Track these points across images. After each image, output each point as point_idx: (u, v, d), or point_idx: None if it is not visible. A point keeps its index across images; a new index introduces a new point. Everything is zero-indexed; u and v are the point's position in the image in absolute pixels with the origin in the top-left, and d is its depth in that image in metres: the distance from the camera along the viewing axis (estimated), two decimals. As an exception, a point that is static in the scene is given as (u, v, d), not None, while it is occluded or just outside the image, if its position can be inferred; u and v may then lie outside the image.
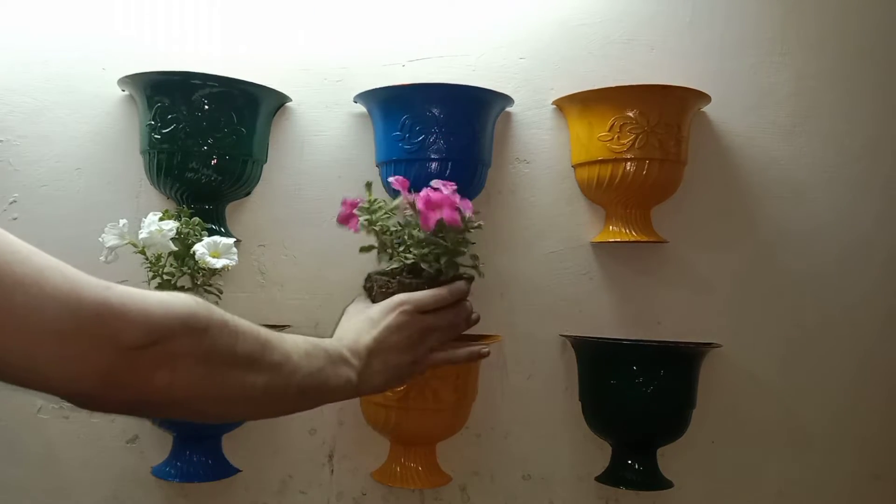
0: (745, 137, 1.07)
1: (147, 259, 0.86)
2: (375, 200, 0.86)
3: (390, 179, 0.85)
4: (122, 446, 1.00)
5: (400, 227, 0.84)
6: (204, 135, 0.93)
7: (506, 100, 1.00)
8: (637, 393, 0.95)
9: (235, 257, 0.87)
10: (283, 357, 0.63)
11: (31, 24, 1.00)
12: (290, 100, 1.02)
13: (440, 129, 0.94)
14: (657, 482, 0.99)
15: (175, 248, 0.86)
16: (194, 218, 0.89)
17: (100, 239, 0.86)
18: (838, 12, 1.08)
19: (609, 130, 0.97)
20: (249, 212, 1.03)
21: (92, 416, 1.00)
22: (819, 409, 1.08)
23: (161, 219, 0.86)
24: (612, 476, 1.00)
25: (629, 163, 0.96)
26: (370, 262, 0.90)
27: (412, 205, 0.83)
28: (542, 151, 1.05)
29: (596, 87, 0.98)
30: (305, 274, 1.02)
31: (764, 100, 1.07)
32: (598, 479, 1.01)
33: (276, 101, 1.01)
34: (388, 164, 0.98)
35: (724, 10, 1.07)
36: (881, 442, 1.09)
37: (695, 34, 1.06)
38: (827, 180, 1.08)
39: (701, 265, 1.06)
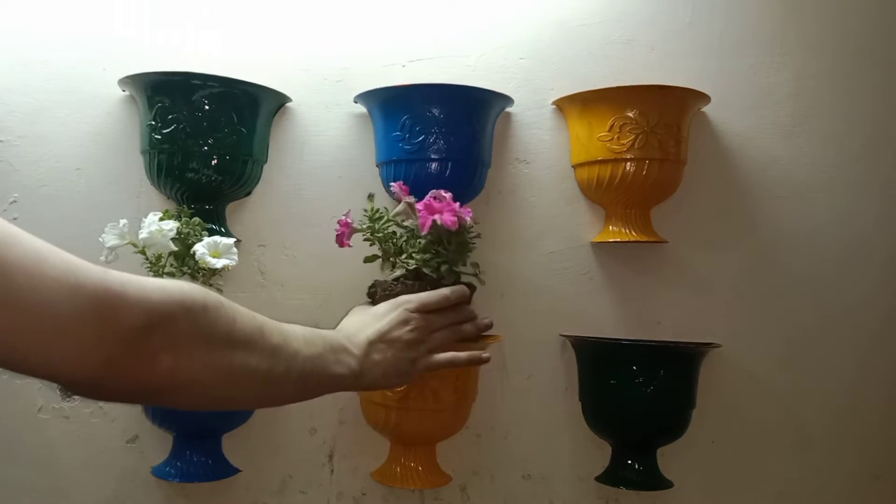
0: (745, 137, 1.07)
1: (147, 259, 0.87)
2: (377, 210, 0.86)
3: (391, 185, 0.86)
4: (122, 446, 1.00)
5: (402, 235, 0.85)
6: (204, 135, 0.93)
7: (506, 100, 1.00)
8: (637, 393, 0.95)
9: (235, 257, 0.87)
10: (282, 339, 0.63)
11: (31, 24, 1.00)
12: (290, 100, 1.02)
13: (440, 130, 0.94)
14: (657, 482, 0.99)
15: (175, 248, 0.86)
16: (194, 218, 0.89)
17: (100, 239, 0.86)
18: (838, 12, 1.08)
19: (609, 130, 0.97)
20: (249, 212, 1.03)
21: (92, 415, 1.00)
22: (819, 409, 1.08)
23: (161, 219, 0.86)
24: (612, 476, 1.00)
25: (629, 163, 0.96)
26: (370, 263, 0.91)
27: (411, 205, 0.83)
28: (542, 151, 1.05)
29: (596, 87, 0.98)
30: (305, 274, 1.03)
31: (764, 100, 1.07)
32: (598, 479, 1.01)
33: (276, 102, 1.01)
34: (388, 164, 0.98)
35: (723, 10, 1.07)
36: (881, 442, 1.09)
37: (695, 34, 1.06)
38: (827, 180, 1.08)
39: (701, 265, 1.06)
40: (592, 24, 1.06)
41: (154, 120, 0.94)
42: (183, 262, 0.87)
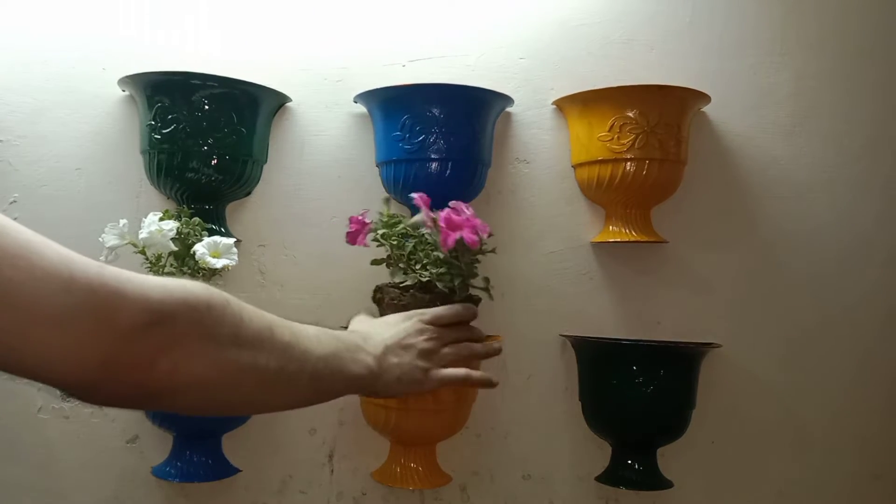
0: (745, 137, 1.07)
1: (147, 259, 0.87)
2: (393, 216, 0.86)
3: (412, 196, 0.85)
4: (122, 446, 1.00)
5: (415, 243, 0.85)
6: (204, 135, 0.93)
7: (506, 100, 1.00)
8: (637, 393, 0.95)
9: (235, 257, 0.87)
10: (293, 338, 0.60)
11: (31, 24, 1.00)
12: (290, 100, 1.02)
13: (440, 129, 0.94)
14: (657, 482, 0.99)
15: (175, 248, 0.86)
16: (194, 218, 0.89)
17: (100, 239, 0.86)
18: (838, 12, 1.08)
19: (609, 130, 0.97)
20: (249, 212, 1.03)
21: (92, 415, 1.00)
22: (819, 409, 1.08)
23: (161, 219, 0.86)
24: (612, 476, 1.00)
25: (629, 163, 0.96)
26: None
27: (434, 221, 0.83)
28: (542, 151, 1.05)
29: (596, 87, 0.98)
30: (305, 274, 1.02)
31: (764, 100, 1.07)
32: (598, 479, 1.01)
33: (276, 101, 1.01)
34: (388, 164, 0.98)
35: (724, 10, 1.07)
36: (881, 442, 1.09)
37: (695, 34, 1.06)
38: (827, 180, 1.08)
39: (701, 265, 1.06)
40: (592, 24, 1.06)
41: (154, 120, 0.94)
42: (183, 262, 0.87)
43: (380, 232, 0.86)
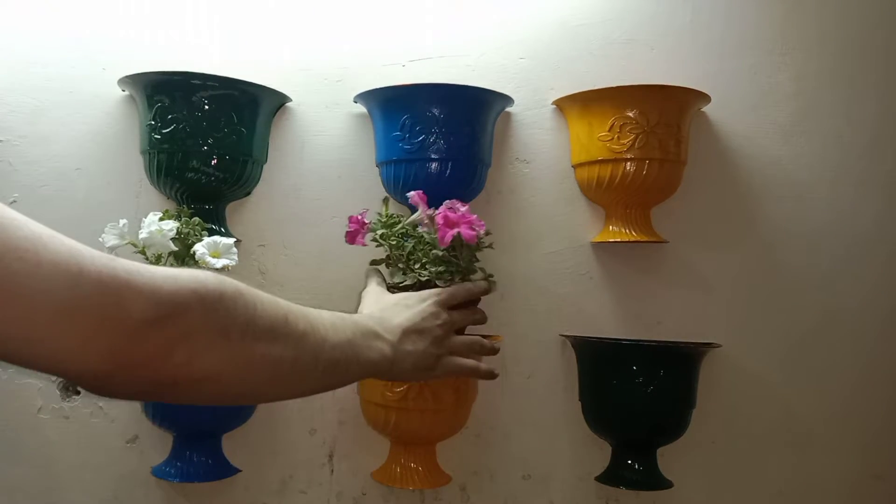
0: (745, 137, 1.07)
1: (147, 259, 0.86)
2: (392, 216, 0.87)
3: (409, 194, 0.85)
4: (122, 446, 1.00)
5: (414, 243, 0.85)
6: (204, 135, 0.93)
7: (506, 100, 1.00)
8: (637, 393, 0.95)
9: (235, 257, 0.87)
10: (308, 327, 0.59)
11: (31, 24, 1.00)
12: (290, 100, 1.02)
13: (440, 129, 0.94)
14: (657, 482, 0.99)
15: (175, 248, 0.86)
16: (194, 218, 0.89)
17: (100, 239, 0.86)
18: (838, 12, 1.08)
19: (609, 130, 0.97)
20: (249, 212, 1.03)
21: (92, 415, 1.00)
22: (819, 409, 1.08)
23: (161, 219, 0.86)
24: (612, 476, 1.00)
25: (629, 163, 0.96)
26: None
27: (431, 218, 0.84)
28: (542, 151, 1.05)
29: (596, 87, 0.98)
30: (305, 274, 1.02)
31: (764, 100, 1.07)
32: (598, 479, 1.01)
33: (276, 101, 1.01)
34: (388, 164, 0.98)
35: (724, 10, 1.07)
36: (881, 442, 1.09)
37: (695, 34, 1.06)
38: (827, 180, 1.08)
39: (701, 265, 1.06)
40: (592, 24, 1.06)
41: (154, 120, 0.94)
42: (183, 262, 0.87)
43: (378, 232, 0.87)
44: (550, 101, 1.04)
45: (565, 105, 1.03)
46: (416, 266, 0.85)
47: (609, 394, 0.98)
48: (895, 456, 1.09)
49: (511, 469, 1.05)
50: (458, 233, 0.81)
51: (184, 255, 0.86)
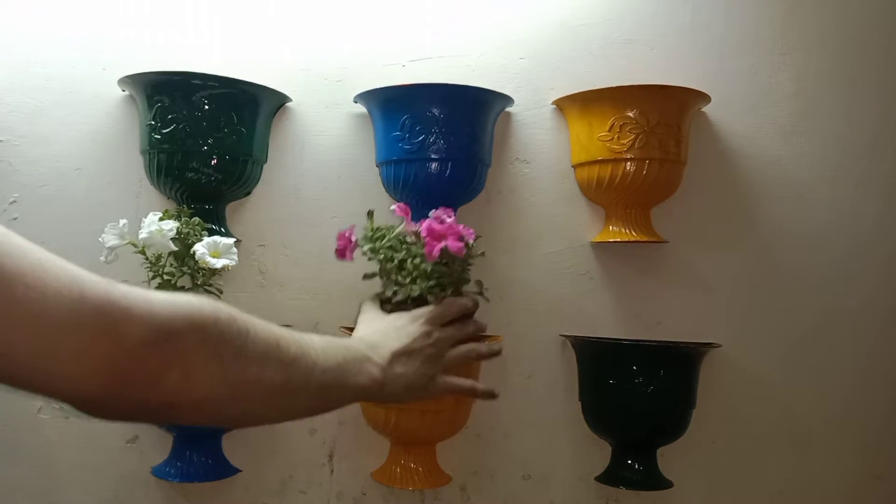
0: (745, 137, 1.07)
1: (147, 259, 0.87)
2: (378, 229, 0.86)
3: (392, 208, 0.85)
4: (122, 446, 1.00)
5: (404, 254, 0.84)
6: (204, 135, 0.93)
7: (506, 100, 1.00)
8: (637, 393, 0.95)
9: (235, 257, 0.87)
10: (300, 351, 0.61)
11: (31, 24, 1.00)
12: (290, 100, 1.02)
13: (440, 129, 0.94)
14: (657, 482, 0.99)
15: (175, 248, 0.86)
16: (194, 218, 0.89)
17: (100, 239, 0.86)
18: (838, 12, 1.08)
19: (609, 130, 0.97)
20: (249, 212, 1.03)
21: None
22: (819, 409, 1.08)
23: (161, 219, 0.86)
24: (612, 476, 1.00)
25: (629, 163, 0.96)
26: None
27: (416, 234, 0.83)
28: (542, 151, 1.05)
29: (596, 87, 0.98)
30: (305, 274, 1.02)
31: (764, 100, 1.07)
32: (598, 479, 1.01)
33: (276, 101, 1.01)
34: (388, 164, 0.98)
35: (724, 10, 1.07)
36: (881, 442, 1.09)
37: (695, 34, 1.06)
38: (827, 180, 1.08)
39: (701, 265, 1.06)
40: (592, 24, 1.06)
41: (154, 120, 0.94)
42: (183, 262, 0.87)
43: (366, 248, 0.86)
44: (550, 101, 1.04)
45: (565, 105, 1.03)
46: (407, 280, 0.84)
47: (609, 394, 0.98)
48: (895, 456, 1.09)
49: (511, 469, 1.05)
50: (445, 246, 0.79)
51: (184, 255, 0.86)
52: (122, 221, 0.86)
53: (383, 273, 0.87)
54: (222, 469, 0.97)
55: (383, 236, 0.85)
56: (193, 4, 1.03)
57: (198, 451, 0.95)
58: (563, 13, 1.06)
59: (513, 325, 1.02)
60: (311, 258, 1.03)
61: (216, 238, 0.86)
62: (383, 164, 0.99)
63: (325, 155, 1.04)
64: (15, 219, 1.00)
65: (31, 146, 1.00)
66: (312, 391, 0.62)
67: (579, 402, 1.03)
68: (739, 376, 1.06)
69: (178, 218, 0.88)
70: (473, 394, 0.82)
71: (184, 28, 1.02)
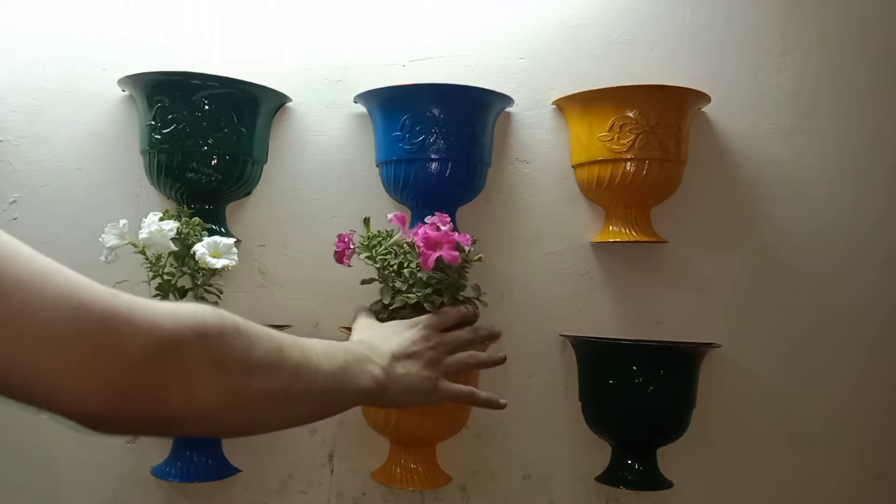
0: (745, 137, 1.07)
1: (147, 259, 0.86)
2: (374, 236, 0.86)
3: (389, 217, 0.85)
4: (122, 446, 1.00)
5: (400, 261, 0.84)
6: (204, 135, 0.93)
7: (506, 100, 1.00)
8: (637, 393, 0.95)
9: (235, 257, 0.87)
10: (302, 357, 0.60)
11: (31, 24, 1.00)
12: (290, 100, 1.02)
13: (440, 130, 0.94)
14: (657, 482, 0.99)
15: (175, 248, 0.86)
16: (194, 218, 0.89)
17: (100, 239, 0.86)
18: (838, 12, 1.08)
19: (609, 130, 0.97)
20: (249, 212, 1.03)
21: (92, 416, 1.00)
22: (819, 409, 1.08)
23: (161, 219, 0.86)
24: (612, 476, 1.00)
25: (629, 163, 0.96)
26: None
27: (411, 245, 0.83)
28: (542, 151, 1.05)
29: (596, 87, 0.98)
30: (305, 274, 1.02)
31: (764, 100, 1.07)
32: (598, 479, 1.01)
33: (276, 101, 1.01)
34: (388, 164, 0.98)
35: (724, 11, 1.07)
36: (881, 442, 1.09)
37: (695, 34, 1.06)
38: (827, 180, 1.08)
39: (701, 265, 1.06)
40: (592, 24, 1.06)
41: (154, 120, 0.94)
42: (183, 262, 0.87)
43: (363, 255, 0.86)
44: (550, 101, 1.04)
45: (565, 105, 1.03)
46: (404, 288, 0.84)
47: (609, 394, 0.98)
48: (895, 456, 1.09)
49: (511, 469, 1.05)
50: (440, 256, 0.79)
51: (184, 255, 0.86)
52: (122, 221, 0.86)
53: (381, 278, 0.87)
54: (222, 469, 0.97)
55: (380, 243, 0.85)
56: (193, 4, 1.03)
57: (198, 451, 0.95)
58: (563, 13, 1.06)
59: (513, 325, 1.02)
60: (311, 258, 1.03)
61: (216, 238, 0.86)
62: (383, 164, 0.99)
63: (324, 155, 1.04)
64: (15, 219, 1.00)
65: (31, 146, 1.00)
66: (315, 396, 0.62)
67: (579, 402, 1.03)
68: (739, 376, 1.06)
69: (178, 218, 0.88)
70: (473, 401, 0.82)
71: (184, 28, 1.02)
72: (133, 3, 1.02)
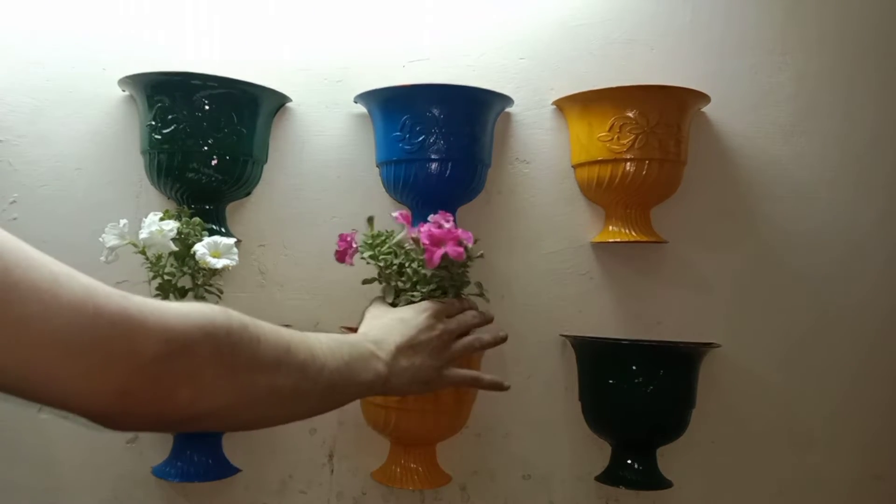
0: (745, 137, 1.07)
1: (147, 259, 0.87)
2: (378, 235, 0.86)
3: (394, 214, 0.85)
4: (122, 446, 1.00)
5: (402, 259, 0.85)
6: (204, 135, 0.93)
7: (506, 100, 1.00)
8: (637, 393, 0.95)
9: (236, 257, 0.87)
10: (309, 354, 0.61)
11: (31, 24, 1.00)
12: (290, 100, 1.02)
13: (440, 130, 0.94)
14: (657, 482, 0.99)
15: (175, 249, 0.86)
16: (195, 218, 0.89)
17: (100, 239, 0.86)
18: (838, 12, 1.08)
19: (609, 130, 0.97)
20: (249, 212, 1.03)
21: (92, 416, 1.00)
22: (819, 409, 1.08)
23: (161, 219, 0.86)
24: (612, 476, 1.00)
25: (629, 163, 0.96)
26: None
27: (416, 241, 0.83)
28: (542, 151, 1.05)
29: (596, 87, 0.98)
30: (305, 274, 1.03)
31: (764, 100, 1.07)
32: (598, 478, 1.01)
33: (276, 102, 1.01)
34: (388, 164, 0.98)
35: (724, 10, 1.07)
36: (881, 442, 1.09)
37: (695, 34, 1.06)
38: (827, 180, 1.08)
39: (701, 265, 1.06)
40: (592, 24, 1.06)
41: (154, 120, 0.94)
42: (183, 262, 0.87)
43: (366, 254, 0.86)
44: (550, 102, 1.04)
45: (565, 105, 1.03)
46: (408, 285, 0.85)
47: (609, 394, 0.98)
48: (895, 456, 1.09)
49: (511, 469, 1.05)
50: (446, 252, 0.80)
51: (184, 255, 0.86)
52: (123, 221, 0.86)
53: (383, 278, 0.87)
54: (222, 469, 0.97)
55: (384, 242, 0.85)
56: (193, 4, 1.03)
57: (198, 451, 0.95)
58: (563, 13, 1.06)
59: (513, 325, 1.02)
60: (311, 258, 1.03)
61: (216, 238, 0.86)
62: (383, 164, 0.99)
63: (324, 155, 1.04)
64: (15, 219, 1.00)
65: (31, 146, 1.00)
66: (320, 392, 0.63)
67: (579, 402, 1.03)
68: (739, 376, 1.06)
69: (178, 218, 0.88)
70: (478, 384, 0.83)
71: (184, 28, 1.02)
72: (133, 3, 1.02)
